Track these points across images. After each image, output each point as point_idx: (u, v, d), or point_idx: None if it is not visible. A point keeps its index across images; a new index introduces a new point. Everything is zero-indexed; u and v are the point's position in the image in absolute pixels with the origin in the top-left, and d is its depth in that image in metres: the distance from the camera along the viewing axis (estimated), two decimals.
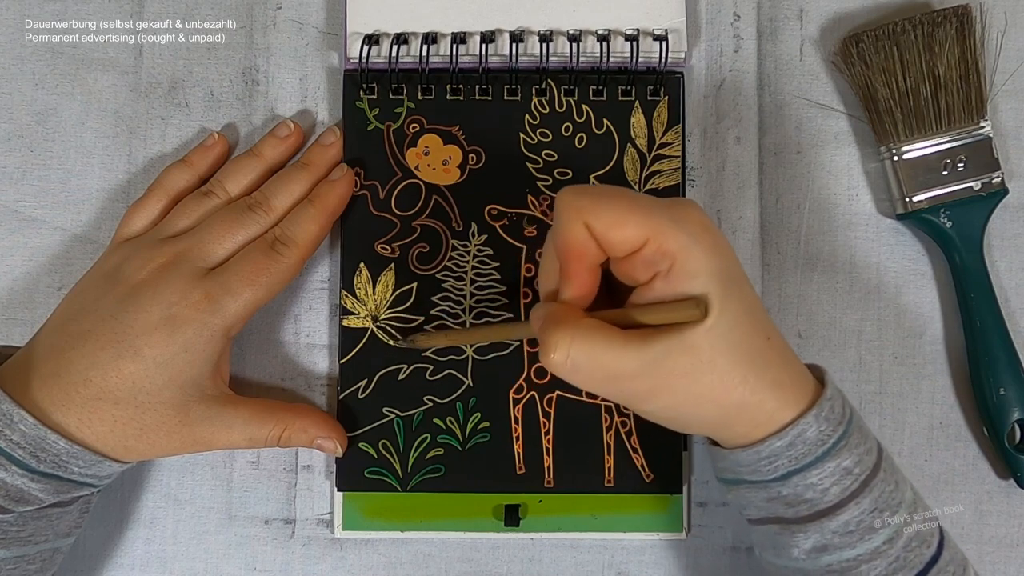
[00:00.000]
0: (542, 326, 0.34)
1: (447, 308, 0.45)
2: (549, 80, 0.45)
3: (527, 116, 0.45)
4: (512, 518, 0.44)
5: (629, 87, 0.45)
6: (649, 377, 0.33)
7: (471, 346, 0.44)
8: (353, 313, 0.44)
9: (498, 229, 0.45)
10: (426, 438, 0.44)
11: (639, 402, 0.35)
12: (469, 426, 0.44)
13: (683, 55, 0.45)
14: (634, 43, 0.44)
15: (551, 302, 0.35)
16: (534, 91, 0.45)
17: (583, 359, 0.33)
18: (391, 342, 0.44)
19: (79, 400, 0.38)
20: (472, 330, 0.43)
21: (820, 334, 0.46)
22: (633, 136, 0.45)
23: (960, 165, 0.44)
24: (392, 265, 0.45)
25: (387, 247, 0.45)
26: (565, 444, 0.44)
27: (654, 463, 0.44)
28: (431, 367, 0.44)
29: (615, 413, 0.44)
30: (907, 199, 0.45)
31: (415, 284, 0.44)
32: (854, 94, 0.46)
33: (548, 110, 0.45)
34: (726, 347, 0.33)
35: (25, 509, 0.37)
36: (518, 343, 0.44)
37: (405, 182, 0.45)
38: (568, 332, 0.33)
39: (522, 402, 0.44)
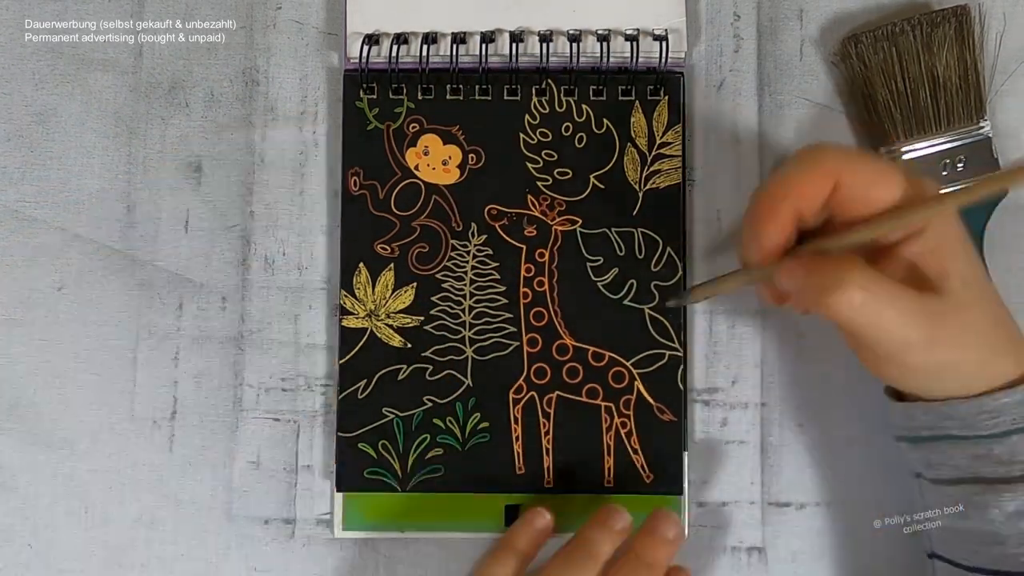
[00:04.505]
0: (820, 271, 0.34)
1: (447, 308, 0.45)
2: (549, 80, 0.45)
3: (527, 116, 0.45)
4: (512, 518, 0.44)
5: (629, 87, 0.45)
6: (929, 327, 0.34)
7: (472, 347, 0.44)
8: (352, 313, 0.44)
9: (498, 229, 0.45)
10: (426, 438, 0.44)
11: (910, 353, 0.35)
12: (469, 426, 0.44)
13: (683, 55, 0.45)
14: (634, 43, 0.44)
15: (808, 255, 0.36)
16: (534, 91, 0.45)
17: (875, 293, 0.34)
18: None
19: None
20: (727, 278, 0.41)
21: (821, 334, 0.46)
22: (633, 135, 0.45)
23: (960, 165, 0.44)
24: (392, 265, 0.45)
25: (386, 247, 0.45)
26: (565, 444, 0.44)
27: (654, 463, 0.44)
28: (430, 367, 0.44)
29: (615, 413, 0.44)
30: None
31: (415, 284, 0.45)
32: (854, 94, 0.46)
33: (548, 110, 0.45)
34: (979, 298, 0.36)
35: None
36: (517, 344, 0.44)
37: (405, 182, 0.45)
38: (856, 269, 0.34)
39: (522, 402, 0.44)
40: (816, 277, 0.34)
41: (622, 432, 0.44)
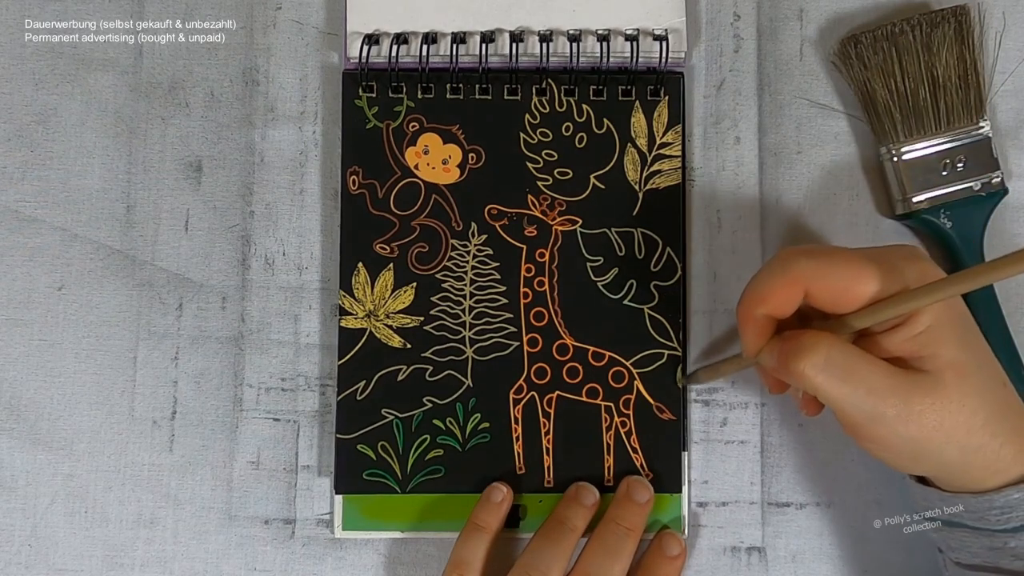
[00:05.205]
0: (793, 339, 0.35)
1: (447, 308, 0.45)
2: (549, 80, 0.45)
3: (527, 116, 0.45)
4: (512, 518, 0.44)
5: (629, 87, 0.45)
6: (901, 401, 0.34)
7: (472, 347, 0.44)
8: (351, 313, 0.44)
9: (498, 229, 0.45)
10: (426, 439, 0.44)
11: (882, 425, 0.34)
12: (469, 427, 0.44)
13: (683, 55, 0.45)
14: (634, 43, 0.44)
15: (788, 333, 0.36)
16: (534, 91, 0.45)
17: (841, 358, 0.34)
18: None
19: None
20: (726, 362, 0.42)
21: None
22: (633, 136, 0.45)
23: (960, 165, 0.44)
24: (391, 265, 0.45)
25: (386, 247, 0.45)
26: (565, 444, 0.44)
27: (654, 463, 0.44)
28: (431, 368, 0.44)
29: (615, 413, 0.44)
30: (907, 199, 0.45)
31: (415, 284, 0.44)
32: (853, 94, 0.46)
33: (548, 110, 0.45)
34: (972, 389, 0.34)
35: None
36: (517, 344, 0.44)
37: (404, 181, 0.45)
38: (826, 337, 0.34)
39: (522, 402, 0.44)
40: (787, 345, 0.35)
41: (622, 432, 0.44)
